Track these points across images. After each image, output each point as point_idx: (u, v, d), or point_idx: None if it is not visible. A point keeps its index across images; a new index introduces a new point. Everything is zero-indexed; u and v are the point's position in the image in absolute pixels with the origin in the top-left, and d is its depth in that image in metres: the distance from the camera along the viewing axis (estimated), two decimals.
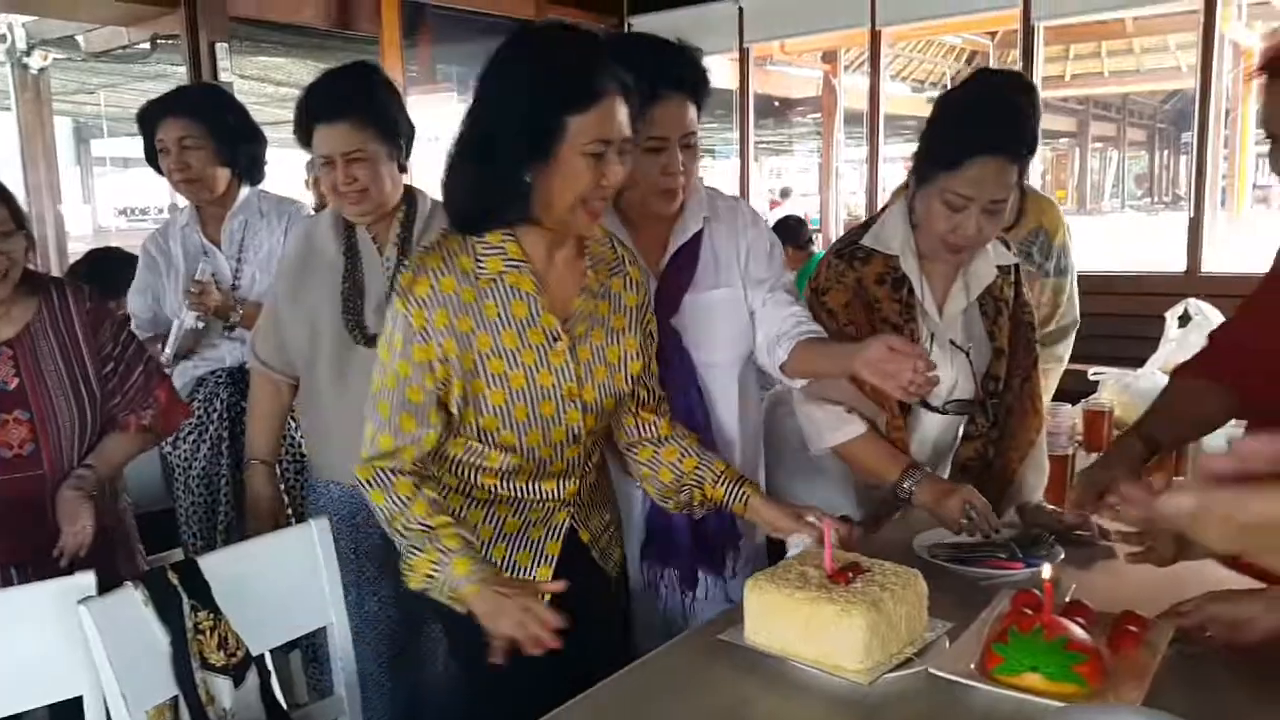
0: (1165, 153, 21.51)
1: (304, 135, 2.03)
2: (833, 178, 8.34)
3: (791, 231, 5.39)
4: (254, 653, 1.62)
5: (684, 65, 1.80)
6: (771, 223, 5.95)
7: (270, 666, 1.71)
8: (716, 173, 17.32)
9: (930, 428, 1.96)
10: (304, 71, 7.00)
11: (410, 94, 5.23)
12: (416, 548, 1.47)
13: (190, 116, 2.52)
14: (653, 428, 1.71)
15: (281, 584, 1.72)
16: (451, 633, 1.72)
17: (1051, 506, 1.95)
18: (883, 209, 1.98)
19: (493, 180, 1.46)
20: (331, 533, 1.80)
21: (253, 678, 1.61)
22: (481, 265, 1.51)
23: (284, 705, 1.69)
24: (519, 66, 1.46)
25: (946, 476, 2.02)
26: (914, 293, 1.88)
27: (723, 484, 1.66)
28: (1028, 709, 1.22)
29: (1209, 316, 3.02)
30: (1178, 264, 5.40)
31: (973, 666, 1.29)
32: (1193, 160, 5.47)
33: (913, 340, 1.82)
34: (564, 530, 1.64)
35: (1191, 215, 5.19)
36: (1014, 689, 1.24)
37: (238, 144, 2.59)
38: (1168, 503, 0.70)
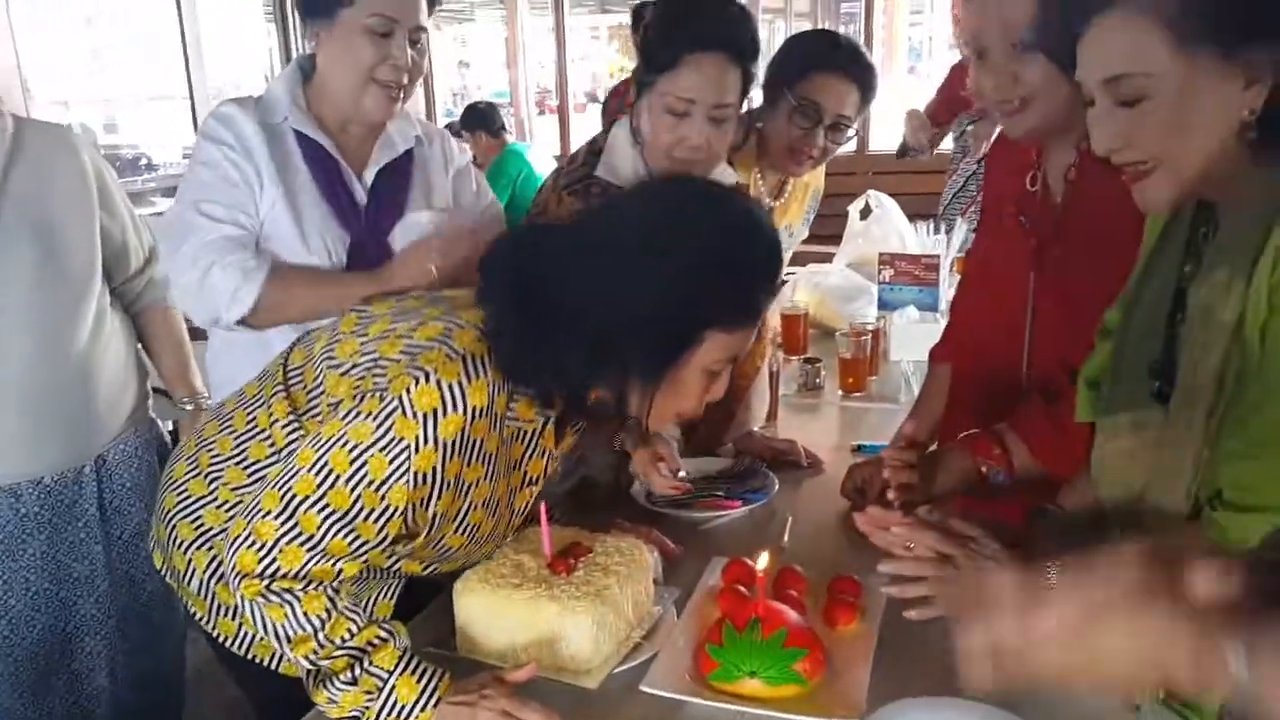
0: (828, 22, 22.77)
1: None
2: (520, 53, 8.05)
3: (483, 118, 5.12)
4: None
5: None
6: (459, 114, 5.64)
7: None
8: None
9: None
10: None
11: None
12: (344, 680, 1.14)
13: None
14: None
15: None
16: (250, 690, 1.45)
17: (761, 433, 1.95)
18: (605, 130, 1.82)
19: (598, 378, 1.20)
20: None
21: None
22: (513, 407, 1.23)
23: None
24: (675, 255, 1.15)
25: None
26: None
27: None
28: (747, 716, 1.16)
29: (888, 208, 3.15)
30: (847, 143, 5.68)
31: (688, 676, 1.21)
32: (860, 39, 5.72)
33: None
34: (399, 587, 1.41)
35: None
36: (733, 698, 1.17)
37: None
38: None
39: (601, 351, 1.16)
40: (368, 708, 1.14)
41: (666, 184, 1.34)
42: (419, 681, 1.14)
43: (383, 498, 1.13)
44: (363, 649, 1.15)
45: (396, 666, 1.15)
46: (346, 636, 1.14)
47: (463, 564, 1.35)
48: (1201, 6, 0.93)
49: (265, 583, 1.13)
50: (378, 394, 1.14)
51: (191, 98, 5.35)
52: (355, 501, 1.13)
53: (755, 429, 1.95)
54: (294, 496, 1.13)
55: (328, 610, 1.14)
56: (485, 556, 1.35)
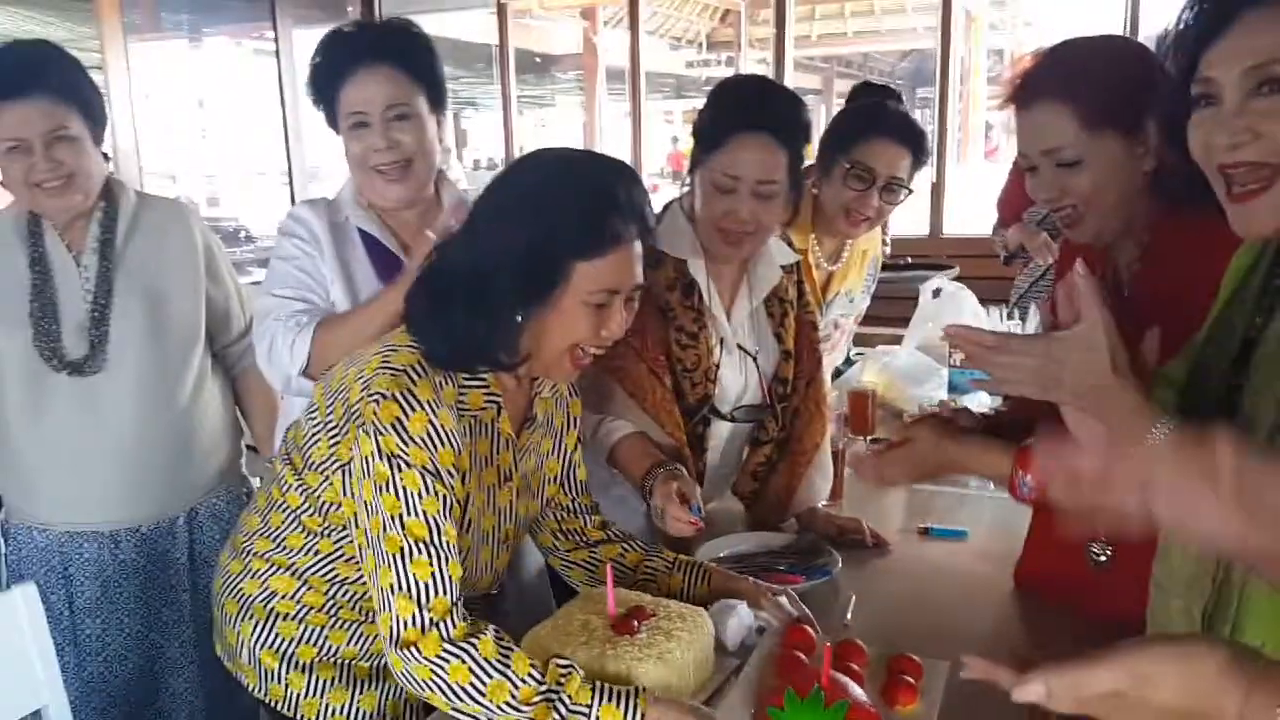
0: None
1: None
2: (598, 135, 8.29)
3: None
4: None
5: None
6: None
7: None
8: (479, 124, 16.92)
9: (720, 436, 1.92)
10: (8, 21, 6.18)
11: (131, 42, 4.67)
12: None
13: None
14: (579, 535, 1.63)
15: None
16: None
17: (826, 510, 1.97)
18: (663, 210, 1.90)
19: (484, 321, 1.30)
20: (39, 594, 1.54)
21: None
22: (464, 397, 1.35)
23: None
24: (524, 199, 1.33)
25: (735, 482, 2.02)
26: (703, 298, 1.83)
27: (678, 571, 1.58)
28: None
29: (956, 293, 3.17)
30: (920, 226, 5.69)
31: None
32: (935, 124, 5.76)
33: (704, 346, 1.81)
34: None
35: (934, 180, 5.46)
36: None
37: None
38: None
39: (482, 302, 1.29)
40: None
41: (528, 154, 1.44)
42: (618, 706, 1.20)
43: (434, 496, 1.25)
44: (558, 688, 1.21)
45: (594, 698, 1.20)
46: (528, 671, 1.21)
47: (469, 585, 1.41)
48: None
49: (440, 637, 1.22)
50: (360, 430, 1.26)
51: (290, 174, 5.62)
52: (423, 519, 1.24)
53: (819, 505, 1.98)
54: (395, 559, 1.24)
55: (499, 650, 1.22)
56: (493, 575, 1.47)
